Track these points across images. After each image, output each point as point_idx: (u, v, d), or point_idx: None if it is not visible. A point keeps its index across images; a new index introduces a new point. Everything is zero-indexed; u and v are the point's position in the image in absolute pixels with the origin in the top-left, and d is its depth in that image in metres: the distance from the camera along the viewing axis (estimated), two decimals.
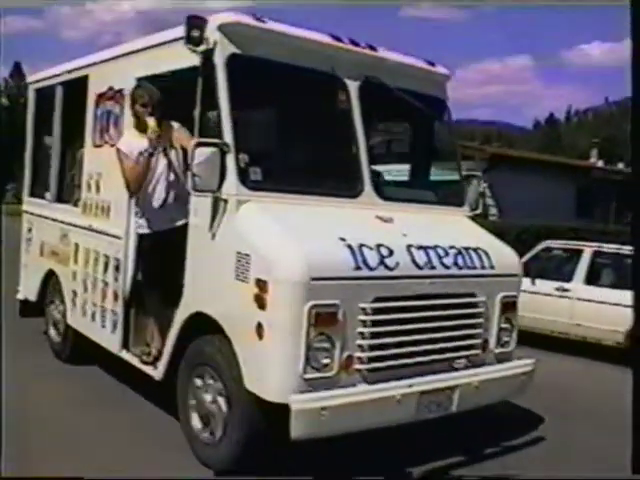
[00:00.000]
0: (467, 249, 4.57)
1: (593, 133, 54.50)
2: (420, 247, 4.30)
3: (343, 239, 4.00)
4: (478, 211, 5.27)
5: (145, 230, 4.89)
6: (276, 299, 3.70)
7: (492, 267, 4.63)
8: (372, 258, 4.00)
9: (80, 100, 5.87)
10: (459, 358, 4.46)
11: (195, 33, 4.15)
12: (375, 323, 3.97)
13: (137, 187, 4.76)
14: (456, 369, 4.43)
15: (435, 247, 4.38)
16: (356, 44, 4.78)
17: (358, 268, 3.92)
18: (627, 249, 8.78)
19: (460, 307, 4.43)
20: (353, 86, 4.67)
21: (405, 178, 5.20)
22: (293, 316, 3.68)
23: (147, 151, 4.67)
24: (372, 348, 3.99)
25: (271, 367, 3.75)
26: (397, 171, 5.37)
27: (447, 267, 4.36)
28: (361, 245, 4.02)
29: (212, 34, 4.18)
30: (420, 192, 5.15)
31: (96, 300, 5.54)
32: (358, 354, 3.94)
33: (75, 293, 5.92)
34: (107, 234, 5.38)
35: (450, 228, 4.88)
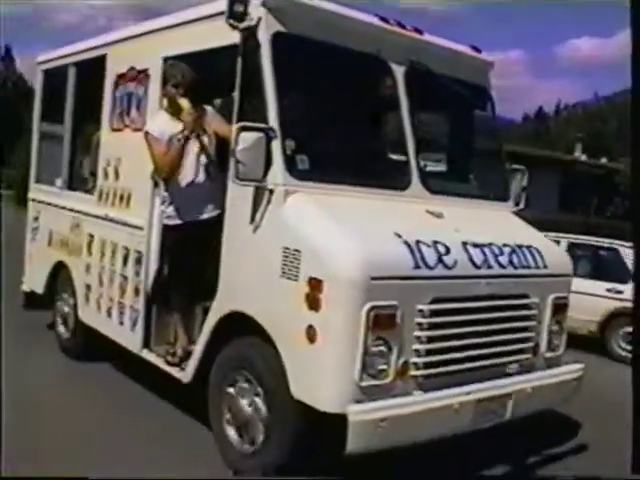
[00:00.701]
0: (520, 247, 4.25)
1: (581, 128, 54.55)
2: (475, 245, 3.96)
3: (399, 235, 3.66)
4: (521, 206, 4.95)
5: (174, 221, 4.50)
6: (332, 300, 3.35)
7: (545, 266, 4.31)
8: (430, 256, 3.66)
9: (95, 81, 5.45)
10: (512, 363, 4.14)
11: (238, 8, 3.77)
12: (432, 326, 3.64)
13: (169, 174, 4.37)
14: (509, 374, 4.12)
15: (490, 245, 4.05)
16: (403, 26, 4.42)
17: (417, 267, 3.58)
18: (603, 241, 9.33)
19: (514, 309, 4.11)
20: (399, 71, 4.32)
21: (443, 169, 4.86)
22: (350, 318, 3.34)
23: (182, 135, 4.29)
24: (429, 353, 3.65)
25: (324, 374, 3.40)
26: (434, 162, 5.02)
27: (503, 266, 4.03)
28: (418, 242, 3.67)
29: (256, 10, 3.81)
30: (465, 185, 4.81)
31: (113, 295, 5.15)
32: (414, 359, 3.61)
33: (89, 287, 5.52)
34: (127, 224, 4.99)
35: (500, 224, 4.55)
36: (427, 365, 3.65)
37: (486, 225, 4.39)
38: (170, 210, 4.50)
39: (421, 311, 3.59)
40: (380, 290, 3.39)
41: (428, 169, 4.48)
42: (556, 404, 4.59)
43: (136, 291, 4.88)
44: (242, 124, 3.64)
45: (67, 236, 5.89)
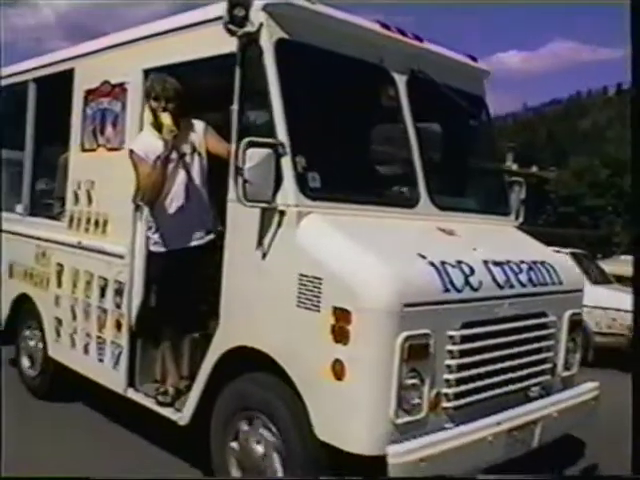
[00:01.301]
0: (535, 263, 4.00)
1: (512, 137, 56.00)
2: (495, 263, 3.69)
3: (423, 256, 3.35)
4: (521, 220, 4.73)
5: (161, 248, 4.09)
6: (363, 331, 3.00)
7: (560, 282, 4.08)
8: (457, 278, 3.36)
9: (60, 98, 4.97)
10: (534, 386, 3.89)
11: (239, 12, 3.41)
12: (463, 353, 3.34)
13: (154, 196, 3.96)
14: (531, 398, 3.86)
15: (508, 262, 3.79)
16: (403, 33, 4.15)
17: (446, 290, 3.28)
18: None
19: (534, 329, 3.86)
20: (401, 81, 4.02)
21: (449, 184, 4.59)
22: (384, 350, 3.00)
23: (163, 154, 3.89)
24: (459, 382, 3.35)
25: (355, 412, 3.04)
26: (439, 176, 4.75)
27: (524, 285, 3.77)
28: (443, 263, 3.37)
29: (257, 15, 3.45)
30: (469, 200, 4.55)
31: (90, 330, 4.67)
32: (445, 390, 3.30)
33: (60, 321, 5.01)
34: (105, 252, 4.52)
35: (510, 240, 4.32)
36: (458, 395, 3.34)
37: (498, 241, 4.14)
38: (157, 237, 4.08)
39: (451, 337, 3.28)
40: (413, 318, 3.07)
41: (435, 184, 4.21)
42: (577, 425, 4.36)
43: (118, 325, 4.42)
44: (249, 139, 3.27)
45: (32, 266, 5.36)
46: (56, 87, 5.07)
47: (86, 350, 4.74)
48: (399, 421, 3.05)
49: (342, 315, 3.07)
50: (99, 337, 4.60)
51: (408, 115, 4.00)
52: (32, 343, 5.47)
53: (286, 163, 3.34)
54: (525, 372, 3.78)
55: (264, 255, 3.44)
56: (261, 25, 3.45)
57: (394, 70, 4.00)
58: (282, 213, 3.35)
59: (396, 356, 3.01)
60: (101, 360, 4.56)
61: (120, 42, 4.50)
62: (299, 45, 3.58)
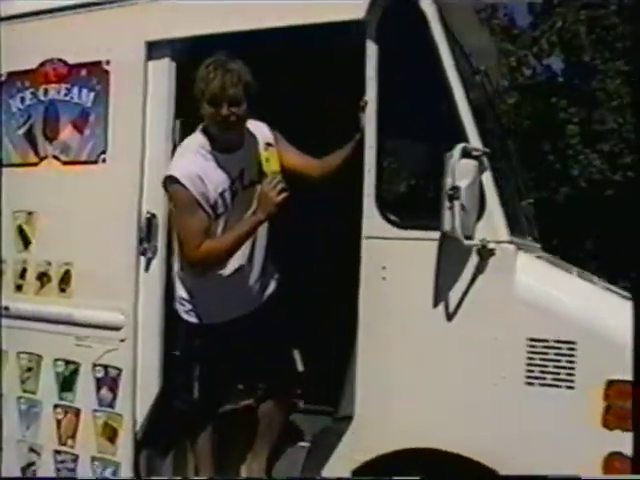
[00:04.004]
0: None
1: None
2: None
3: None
4: None
5: (205, 319, 2.57)
6: None
7: None
8: None
9: None
10: None
11: None
12: None
13: (213, 256, 2.43)
14: None
15: None
16: None
17: None
18: None
19: None
20: None
21: None
22: None
23: (228, 189, 2.46)
24: None
25: None
26: None
27: None
28: None
29: None
30: None
31: (40, 441, 2.88)
32: None
33: None
34: (70, 323, 2.81)
35: None
36: None
37: None
38: (198, 304, 2.56)
39: None
40: None
41: None
42: None
43: (109, 432, 2.76)
44: (465, 145, 2.12)
45: None
46: None
47: (25, 473, 2.93)
48: None
49: (622, 391, 2.10)
50: (60, 452, 2.86)
51: None
52: None
53: (488, 181, 2.25)
54: None
55: (450, 315, 2.28)
56: None
57: None
58: (489, 252, 2.24)
59: None
60: None
61: None
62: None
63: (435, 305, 2.29)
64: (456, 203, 2.07)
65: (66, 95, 2.86)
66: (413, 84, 2.36)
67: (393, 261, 2.33)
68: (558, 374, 2.16)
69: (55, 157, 2.89)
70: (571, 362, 2.15)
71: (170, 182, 2.41)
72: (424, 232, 2.28)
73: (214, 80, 2.34)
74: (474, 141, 2.23)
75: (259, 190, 2.44)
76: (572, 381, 2.15)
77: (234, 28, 2.51)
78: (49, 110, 2.89)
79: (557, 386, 2.16)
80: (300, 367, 2.77)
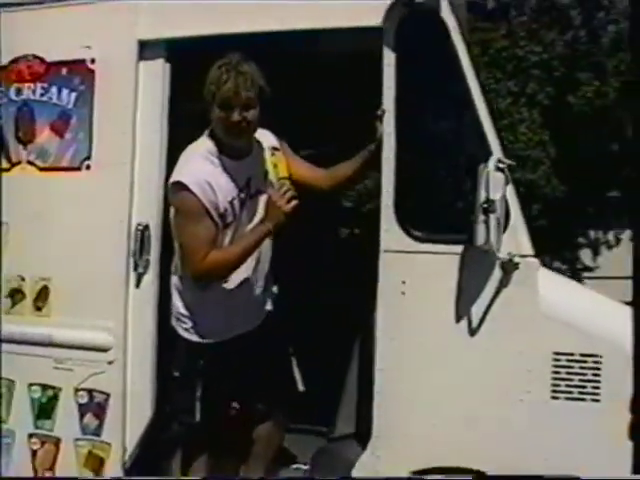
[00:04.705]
0: None
1: None
2: None
3: None
4: None
5: (206, 337, 2.37)
6: None
7: None
8: None
9: None
10: None
11: None
12: None
13: (220, 268, 2.26)
14: None
15: None
16: None
17: None
18: None
19: None
20: None
21: None
22: None
23: (237, 198, 2.29)
24: None
25: None
26: None
27: None
28: None
29: None
30: None
31: (18, 475, 2.58)
32: None
33: None
34: (48, 344, 2.54)
35: None
36: None
37: None
38: (199, 320, 2.36)
39: None
40: None
41: None
42: None
43: (94, 462, 2.51)
44: (498, 158, 2.06)
45: None
46: None
47: None
48: None
49: None
50: None
51: None
52: None
53: (512, 194, 2.21)
54: None
55: (474, 329, 2.22)
56: None
57: None
58: (514, 266, 2.18)
59: None
60: None
61: None
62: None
63: (458, 320, 2.23)
64: (492, 216, 2.02)
65: (43, 95, 2.60)
66: (433, 94, 2.31)
67: (413, 275, 2.25)
68: (584, 387, 2.16)
69: (30, 162, 2.62)
70: (597, 375, 2.15)
71: (177, 188, 2.22)
72: (446, 246, 2.23)
73: (227, 83, 2.17)
74: (497, 152, 2.20)
75: (267, 198, 2.30)
76: (598, 394, 2.15)
77: (244, 29, 2.36)
78: (22, 111, 2.62)
79: (583, 399, 2.16)
80: (301, 387, 2.64)
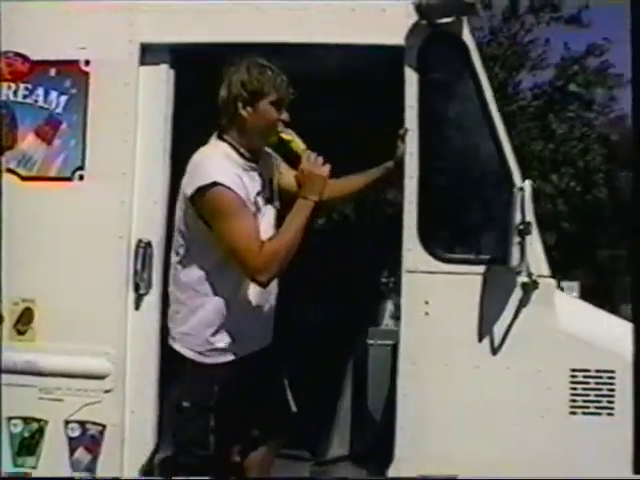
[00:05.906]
0: None
1: None
2: None
3: None
4: None
5: (226, 355, 2.21)
6: None
7: None
8: None
9: None
10: None
11: None
12: None
13: (277, 272, 2.10)
14: None
15: None
16: None
17: None
18: None
19: None
20: None
21: None
22: None
23: (261, 195, 2.16)
24: None
25: None
26: None
27: None
28: None
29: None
30: None
31: None
32: None
33: None
34: (32, 372, 2.27)
35: None
36: None
37: None
38: (219, 336, 2.21)
39: None
40: None
41: None
42: None
43: None
44: (531, 181, 2.07)
45: None
46: None
47: None
48: None
49: None
50: None
51: None
52: None
53: (530, 211, 2.24)
54: None
55: (496, 349, 2.23)
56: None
57: None
58: (533, 286, 2.21)
59: None
60: None
61: None
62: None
63: (480, 339, 2.24)
64: (528, 238, 2.05)
65: (26, 97, 2.33)
66: (455, 114, 2.31)
67: (437, 296, 2.24)
68: (600, 402, 2.24)
69: (10, 170, 2.33)
70: (611, 390, 2.24)
71: (211, 189, 2.00)
72: (469, 266, 2.23)
73: (283, 82, 2.06)
74: (516, 173, 2.24)
75: (299, 173, 2.16)
76: (612, 408, 2.23)
77: (260, 39, 2.23)
78: (1, 113, 2.34)
79: (598, 414, 2.23)
80: (293, 408, 2.53)
